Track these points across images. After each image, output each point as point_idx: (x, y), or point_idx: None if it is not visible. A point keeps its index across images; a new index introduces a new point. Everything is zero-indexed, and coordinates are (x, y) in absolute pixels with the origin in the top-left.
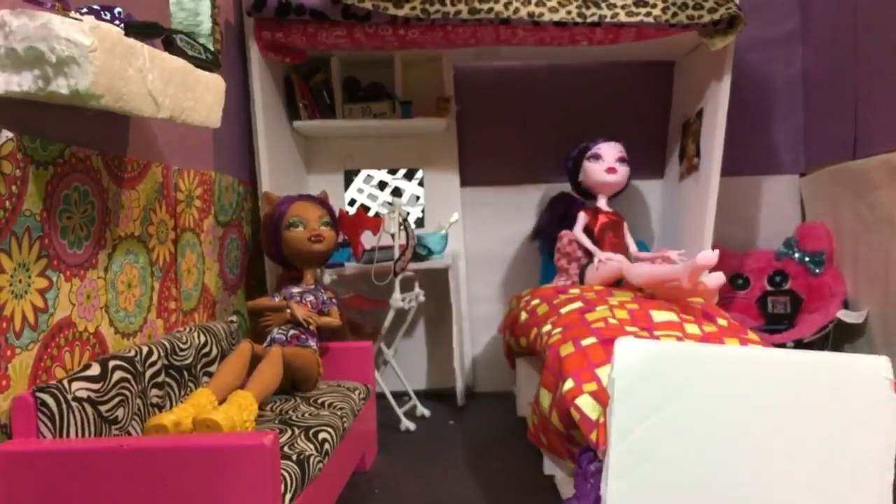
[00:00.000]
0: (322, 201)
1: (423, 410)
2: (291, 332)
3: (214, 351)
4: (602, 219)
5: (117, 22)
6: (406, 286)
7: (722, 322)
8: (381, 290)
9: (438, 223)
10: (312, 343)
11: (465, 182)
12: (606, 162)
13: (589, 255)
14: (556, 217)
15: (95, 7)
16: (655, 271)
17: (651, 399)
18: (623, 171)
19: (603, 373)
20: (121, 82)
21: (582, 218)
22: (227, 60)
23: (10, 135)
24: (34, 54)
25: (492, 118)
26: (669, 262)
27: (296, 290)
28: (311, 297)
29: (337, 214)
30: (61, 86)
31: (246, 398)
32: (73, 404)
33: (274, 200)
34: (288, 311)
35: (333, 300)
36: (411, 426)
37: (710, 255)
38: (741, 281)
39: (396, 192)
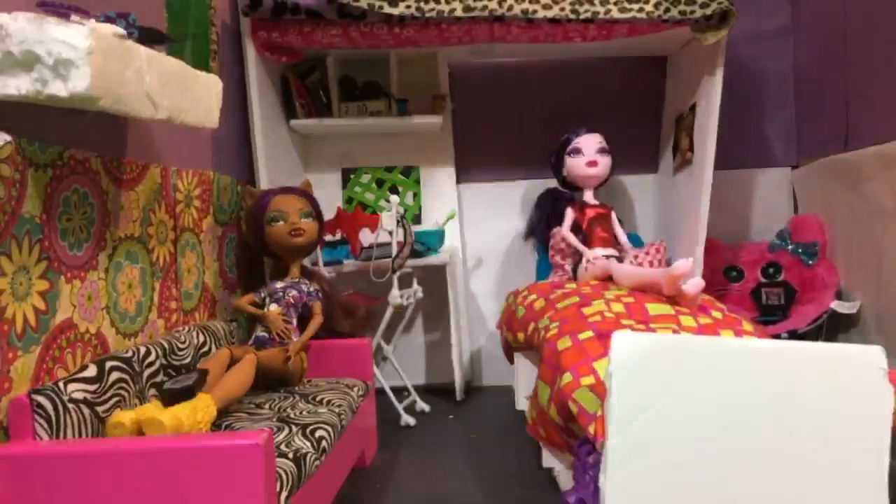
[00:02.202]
0: (303, 192)
1: (422, 406)
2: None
3: (214, 350)
4: (589, 213)
5: (131, 30)
6: (404, 283)
7: (716, 314)
8: (380, 286)
9: (435, 220)
10: (296, 338)
11: (461, 178)
12: (587, 155)
13: (577, 252)
14: (544, 215)
15: (111, 14)
16: (639, 274)
17: (648, 391)
18: (604, 161)
19: (600, 366)
20: (118, 84)
21: (569, 215)
22: (224, 60)
23: (9, 138)
24: (31, 57)
25: (487, 115)
26: (648, 255)
27: (279, 284)
28: (294, 292)
29: (317, 203)
30: (59, 89)
31: (203, 400)
32: (70, 406)
33: (255, 195)
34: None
35: (319, 293)
36: (411, 421)
37: (684, 265)
38: (735, 273)
39: (393, 190)
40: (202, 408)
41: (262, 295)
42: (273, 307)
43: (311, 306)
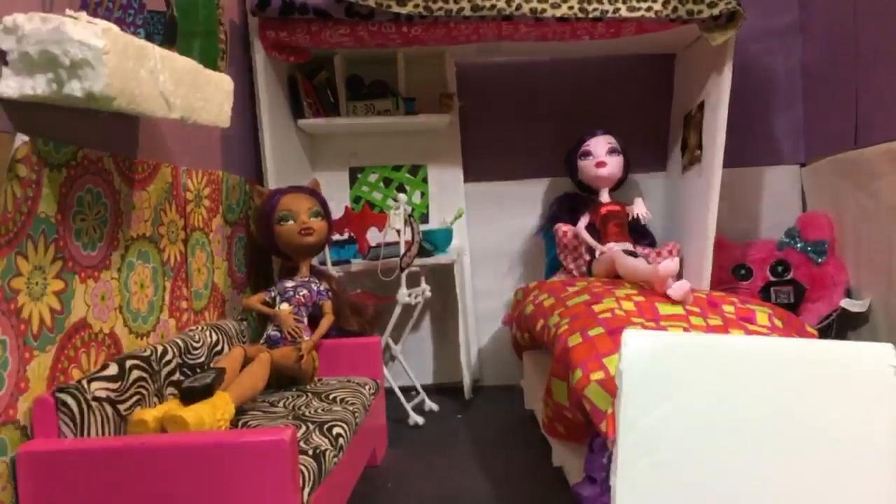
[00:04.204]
0: (311, 191)
1: (430, 405)
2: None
3: (226, 349)
4: (603, 211)
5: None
6: (412, 282)
7: (728, 308)
8: (388, 285)
9: (443, 218)
10: (307, 336)
11: (468, 177)
12: (596, 156)
13: (590, 251)
14: (557, 213)
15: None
16: (635, 269)
17: (659, 389)
18: (614, 161)
19: (610, 362)
20: (133, 84)
21: (586, 216)
22: (232, 60)
23: (26, 138)
24: (48, 57)
25: (494, 113)
26: (660, 256)
27: (290, 283)
28: (304, 291)
29: (326, 202)
30: (75, 88)
31: (222, 398)
32: (93, 404)
33: (264, 194)
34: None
35: (329, 292)
36: (420, 420)
37: (669, 266)
38: (744, 271)
39: (401, 189)
40: (221, 406)
41: (273, 294)
42: (284, 306)
43: (321, 305)
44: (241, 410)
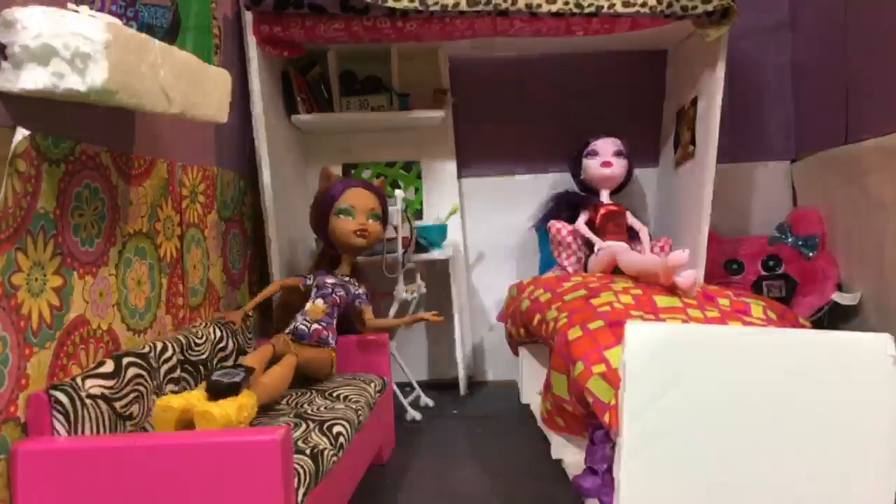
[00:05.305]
0: (378, 192)
1: (426, 400)
2: (314, 326)
3: (230, 345)
4: (603, 210)
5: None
6: (408, 278)
7: (724, 301)
8: (385, 282)
9: (437, 214)
10: (332, 341)
11: (462, 173)
12: (602, 156)
13: (588, 246)
14: (555, 208)
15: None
16: (641, 262)
17: (662, 380)
18: (619, 163)
19: (611, 354)
20: (134, 78)
21: (584, 214)
22: (226, 55)
23: (27, 133)
24: (48, 51)
25: (488, 109)
26: (663, 251)
27: (330, 280)
28: (342, 292)
29: (387, 203)
30: (76, 82)
31: (250, 398)
32: (88, 401)
33: (332, 178)
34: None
35: (367, 296)
36: (417, 416)
37: (680, 256)
38: (735, 266)
39: (394, 185)
40: (248, 406)
41: (310, 283)
42: (319, 302)
43: (361, 310)
44: None
